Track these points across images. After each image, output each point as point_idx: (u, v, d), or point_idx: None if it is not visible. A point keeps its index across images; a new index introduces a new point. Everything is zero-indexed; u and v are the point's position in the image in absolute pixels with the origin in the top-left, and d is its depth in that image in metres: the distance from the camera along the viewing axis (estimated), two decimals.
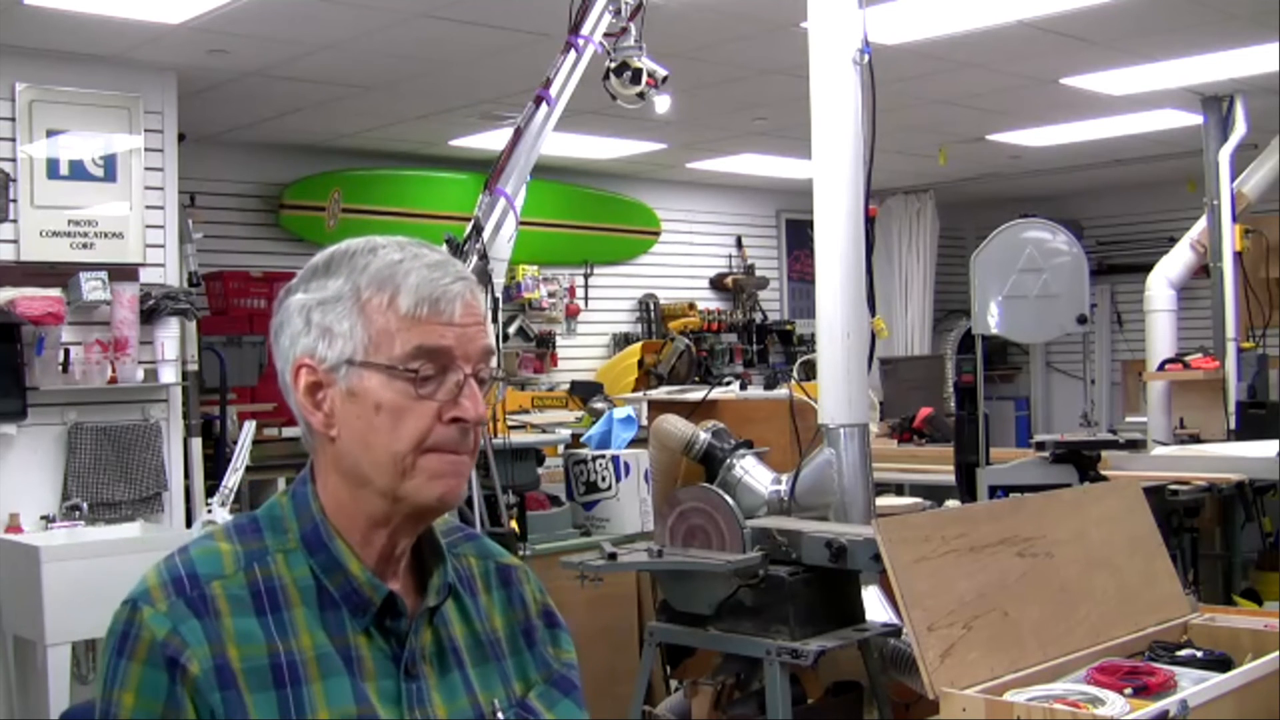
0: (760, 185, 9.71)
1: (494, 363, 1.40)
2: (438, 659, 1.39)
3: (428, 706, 1.35)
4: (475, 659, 1.42)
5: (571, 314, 8.95)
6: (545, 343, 8.69)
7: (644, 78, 4.13)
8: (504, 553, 1.55)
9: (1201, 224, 7.20)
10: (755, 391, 5.01)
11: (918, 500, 4.74)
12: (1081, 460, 4.60)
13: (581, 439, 5.13)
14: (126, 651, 1.28)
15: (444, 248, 3.72)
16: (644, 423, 5.07)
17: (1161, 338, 7.34)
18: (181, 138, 5.62)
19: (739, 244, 10.08)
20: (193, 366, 5.49)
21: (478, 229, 3.82)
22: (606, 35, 4.09)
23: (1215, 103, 6.90)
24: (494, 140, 6.98)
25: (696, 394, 4.76)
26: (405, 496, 1.34)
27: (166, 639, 1.26)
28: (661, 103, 4.61)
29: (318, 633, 1.32)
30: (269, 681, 1.28)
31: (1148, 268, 7.63)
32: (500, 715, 1.41)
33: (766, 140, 7.85)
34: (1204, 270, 7.21)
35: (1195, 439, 6.38)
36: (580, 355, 9.00)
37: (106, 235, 5.25)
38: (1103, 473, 4.67)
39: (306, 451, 1.42)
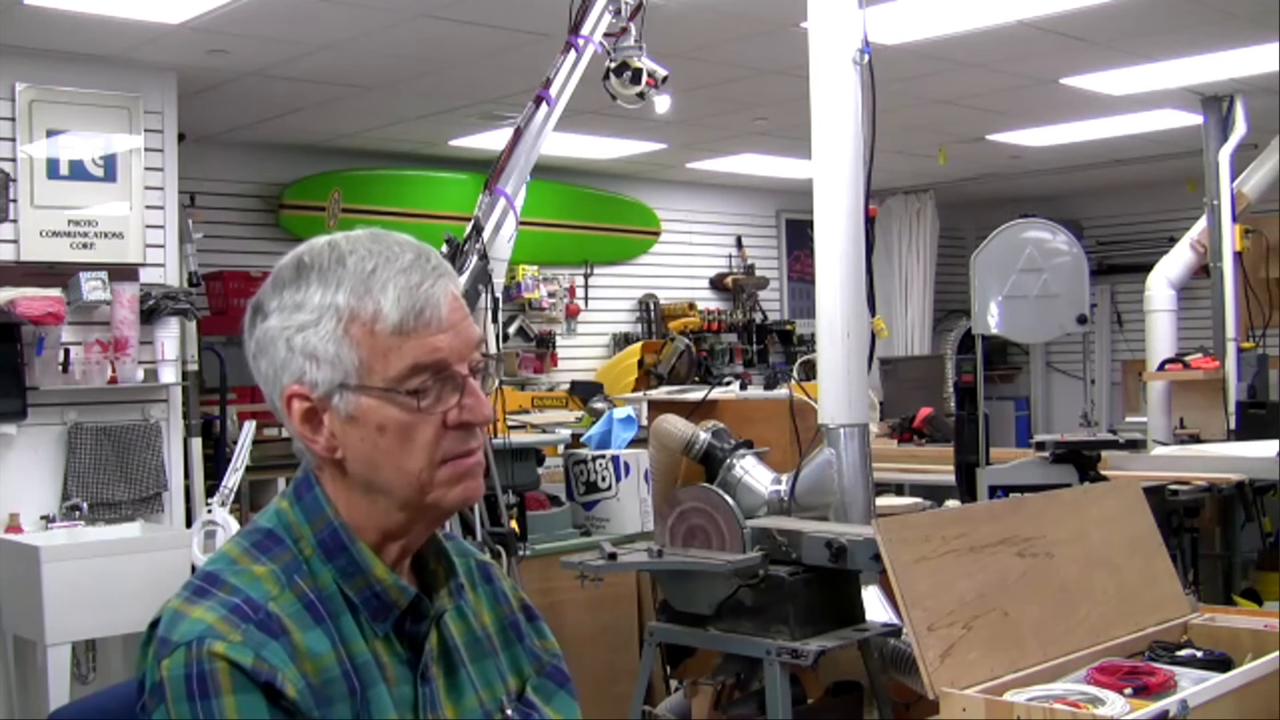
0: (760, 185, 9.71)
1: (484, 348, 1.35)
2: (444, 660, 1.38)
3: (439, 709, 1.34)
4: (473, 655, 1.42)
5: (571, 314, 8.94)
6: (545, 343, 8.69)
7: (644, 78, 4.12)
8: (478, 551, 1.55)
9: (1201, 224, 7.19)
10: (755, 391, 5.01)
11: (918, 500, 4.74)
12: (1081, 460, 4.60)
13: (581, 439, 5.13)
14: (210, 691, 1.18)
15: (445, 245, 3.72)
16: (644, 423, 5.07)
17: (1161, 338, 7.33)
18: (181, 138, 5.61)
19: (739, 244, 10.08)
20: (193, 366, 5.49)
21: (478, 229, 3.82)
22: (606, 35, 4.09)
23: (1215, 103, 6.90)
24: (494, 140, 6.97)
25: (696, 394, 4.75)
26: (428, 505, 1.32)
27: (255, 666, 1.19)
28: (661, 103, 4.61)
29: (356, 640, 1.29)
30: (343, 691, 1.25)
31: (1148, 268, 7.63)
32: (509, 713, 1.40)
33: (766, 140, 7.85)
34: (1204, 270, 7.20)
35: (1195, 439, 6.37)
36: (580, 355, 9.00)
37: (106, 235, 5.24)
38: (1103, 473, 4.66)
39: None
